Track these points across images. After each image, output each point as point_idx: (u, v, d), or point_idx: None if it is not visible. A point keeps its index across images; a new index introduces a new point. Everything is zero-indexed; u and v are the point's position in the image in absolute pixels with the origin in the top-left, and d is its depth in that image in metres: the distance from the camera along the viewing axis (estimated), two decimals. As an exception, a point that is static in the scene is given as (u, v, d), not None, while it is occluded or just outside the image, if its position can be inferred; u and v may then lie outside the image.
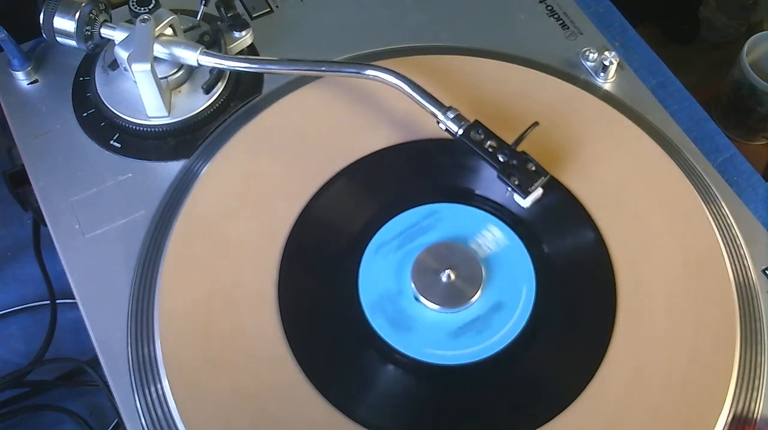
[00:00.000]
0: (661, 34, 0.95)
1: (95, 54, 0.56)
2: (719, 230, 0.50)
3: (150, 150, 0.54)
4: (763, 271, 0.51)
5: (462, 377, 0.46)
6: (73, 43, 0.53)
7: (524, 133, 0.50)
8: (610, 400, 0.45)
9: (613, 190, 0.52)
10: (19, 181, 0.56)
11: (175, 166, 0.54)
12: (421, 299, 0.47)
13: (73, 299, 0.49)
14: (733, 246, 0.50)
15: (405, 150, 0.53)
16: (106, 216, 0.52)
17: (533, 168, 0.48)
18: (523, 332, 0.47)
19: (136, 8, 0.54)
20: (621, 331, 0.47)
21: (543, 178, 0.48)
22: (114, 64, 0.55)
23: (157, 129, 0.54)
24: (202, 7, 0.56)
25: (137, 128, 0.54)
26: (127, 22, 0.54)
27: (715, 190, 0.53)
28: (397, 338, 0.47)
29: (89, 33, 0.53)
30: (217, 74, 0.55)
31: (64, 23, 0.52)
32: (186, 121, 0.54)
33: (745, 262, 0.50)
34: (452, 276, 0.48)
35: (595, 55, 0.58)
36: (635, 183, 0.52)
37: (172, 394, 0.45)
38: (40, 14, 0.52)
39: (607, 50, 0.58)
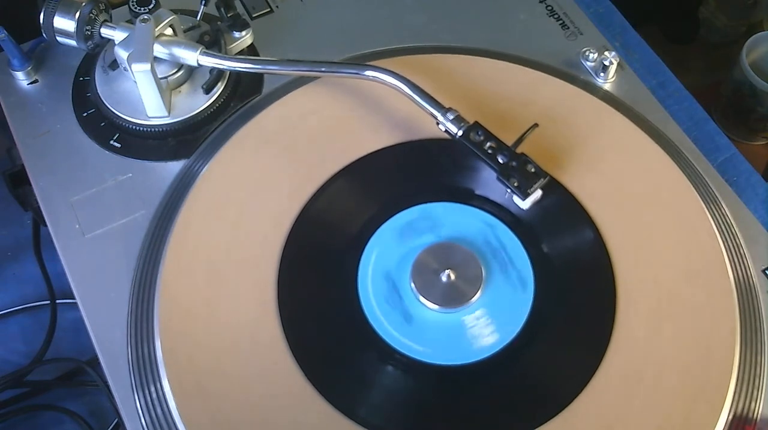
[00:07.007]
0: (661, 34, 0.95)
1: (95, 54, 0.56)
2: (719, 230, 0.50)
3: (150, 150, 0.54)
4: (763, 271, 0.51)
5: (461, 377, 0.46)
6: (73, 43, 0.53)
7: (524, 134, 0.50)
8: (610, 400, 0.45)
9: (612, 190, 0.52)
10: (19, 181, 0.56)
11: (175, 166, 0.54)
12: (421, 298, 0.47)
13: (73, 299, 0.49)
14: (733, 246, 0.50)
15: (405, 150, 0.53)
16: (106, 216, 0.52)
17: (532, 170, 0.48)
18: (523, 332, 0.47)
19: (136, 8, 0.54)
20: (620, 331, 0.47)
21: (542, 179, 0.48)
22: (114, 64, 0.55)
23: (157, 129, 0.54)
24: (202, 7, 0.56)
25: (137, 128, 0.54)
26: (127, 22, 0.54)
27: (715, 190, 0.53)
28: (396, 338, 0.47)
29: (89, 33, 0.53)
30: (217, 74, 0.55)
31: (64, 23, 0.52)
32: (186, 121, 0.54)
33: (745, 262, 0.50)
34: (452, 276, 0.48)
35: (595, 55, 0.58)
36: (635, 183, 0.52)
37: (172, 394, 0.45)
38: (40, 14, 0.52)
39: (607, 50, 0.57)
